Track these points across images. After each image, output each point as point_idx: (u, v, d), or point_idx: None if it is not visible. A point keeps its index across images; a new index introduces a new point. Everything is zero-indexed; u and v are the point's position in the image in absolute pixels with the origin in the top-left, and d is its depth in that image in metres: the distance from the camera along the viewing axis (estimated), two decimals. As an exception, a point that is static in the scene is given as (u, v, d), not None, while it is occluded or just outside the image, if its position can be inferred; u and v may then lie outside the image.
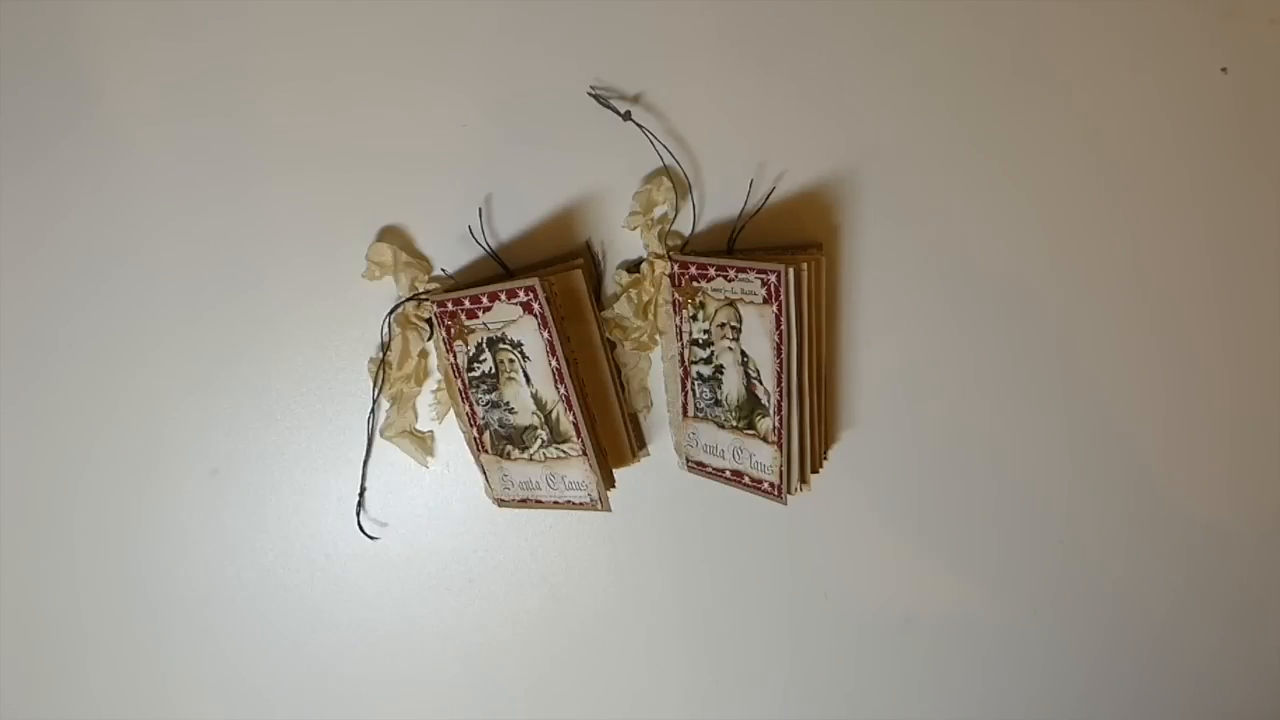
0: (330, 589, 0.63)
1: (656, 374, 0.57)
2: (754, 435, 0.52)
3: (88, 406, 0.58)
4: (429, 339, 0.55)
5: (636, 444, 0.57)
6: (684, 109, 0.52)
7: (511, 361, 0.51)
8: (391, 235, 0.55)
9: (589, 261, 0.54)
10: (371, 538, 0.61)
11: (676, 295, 0.53)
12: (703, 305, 0.52)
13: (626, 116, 0.51)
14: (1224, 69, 0.51)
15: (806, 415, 0.51)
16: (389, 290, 0.55)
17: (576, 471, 0.53)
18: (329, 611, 0.63)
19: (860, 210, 0.54)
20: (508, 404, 0.53)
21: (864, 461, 0.59)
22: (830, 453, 0.58)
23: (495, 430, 0.54)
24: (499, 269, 0.54)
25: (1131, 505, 0.60)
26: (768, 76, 0.52)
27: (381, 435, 0.58)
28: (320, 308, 0.56)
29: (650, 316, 0.54)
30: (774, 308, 0.48)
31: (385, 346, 0.56)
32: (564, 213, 0.54)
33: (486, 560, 0.62)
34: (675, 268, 0.52)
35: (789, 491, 0.52)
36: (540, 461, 0.54)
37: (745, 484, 0.54)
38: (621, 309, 0.54)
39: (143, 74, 0.53)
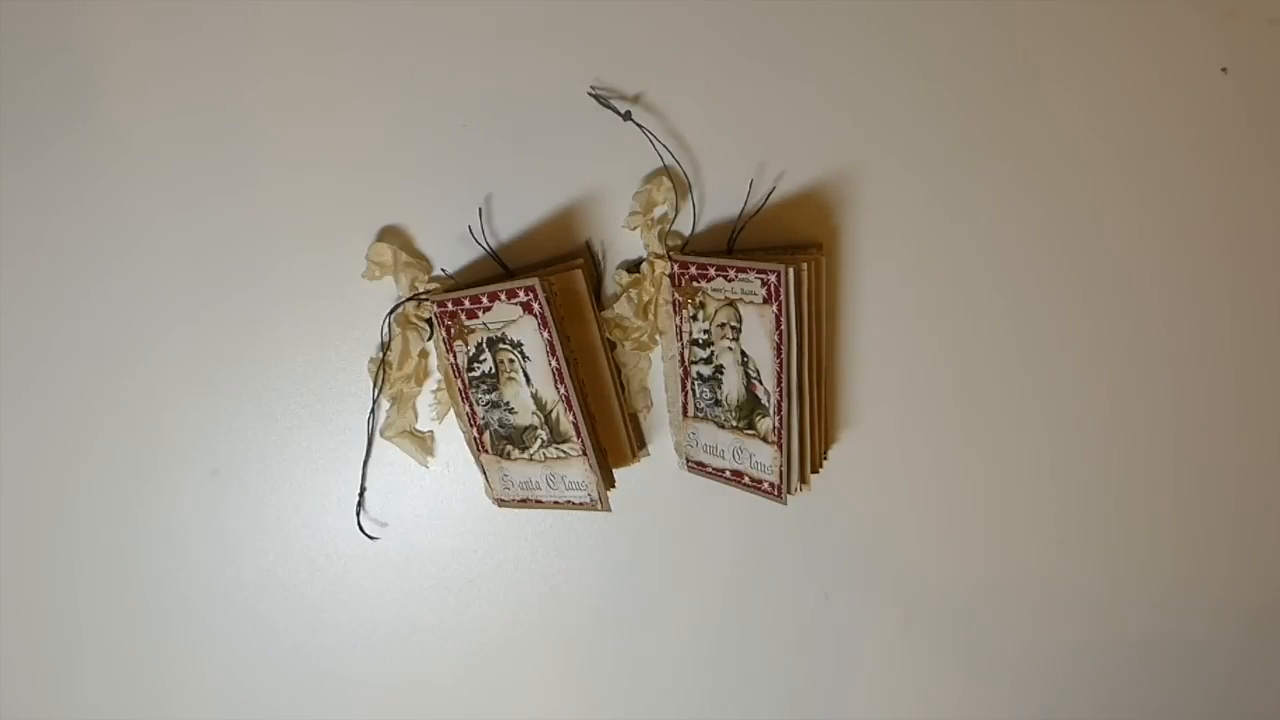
0: (330, 589, 0.63)
1: (656, 374, 0.57)
2: (754, 435, 0.52)
3: (87, 407, 0.58)
4: (429, 339, 0.55)
5: (636, 444, 0.57)
6: (684, 109, 0.52)
7: (511, 361, 0.51)
8: (391, 235, 0.55)
9: (589, 261, 0.54)
10: (371, 538, 0.61)
11: (676, 295, 0.53)
12: (703, 305, 0.52)
13: (626, 116, 0.51)
14: (1224, 69, 0.51)
15: (806, 415, 0.51)
16: (389, 290, 0.55)
17: (576, 471, 0.53)
18: (329, 611, 0.63)
19: (860, 210, 0.54)
20: (508, 404, 0.53)
21: (864, 461, 0.59)
22: (830, 453, 0.58)
23: (495, 430, 0.54)
24: (499, 269, 0.54)
25: (1132, 505, 0.60)
26: (768, 76, 0.52)
27: (381, 435, 0.58)
28: (320, 308, 0.56)
29: (650, 316, 0.54)
30: (774, 308, 0.48)
31: (385, 346, 0.56)
32: (564, 213, 0.54)
33: (486, 560, 0.62)
34: (675, 268, 0.52)
35: (789, 491, 0.52)
36: (540, 461, 0.54)
37: (745, 484, 0.54)
38: (621, 309, 0.54)
39: (142, 73, 0.53)
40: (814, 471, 0.54)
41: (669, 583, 0.62)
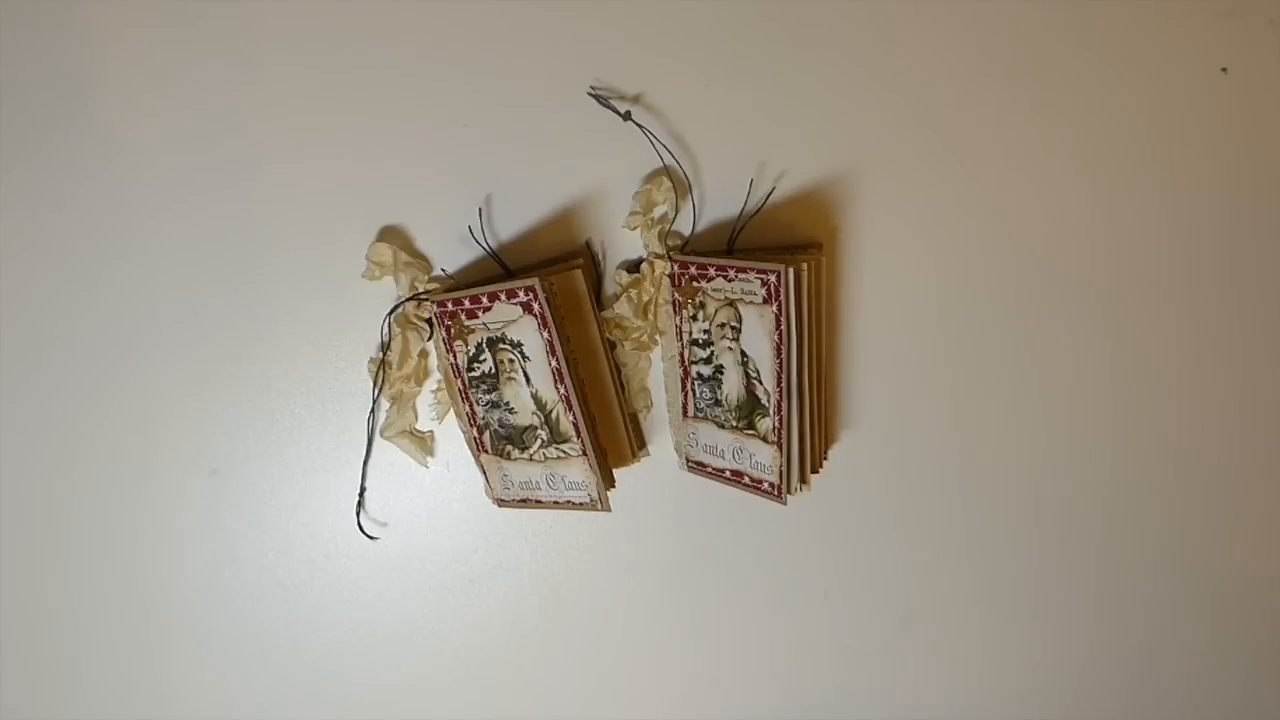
0: (330, 589, 0.63)
1: (656, 374, 0.57)
2: (754, 435, 0.52)
3: (87, 406, 0.58)
4: (429, 339, 0.55)
5: (636, 444, 0.57)
6: (684, 109, 0.52)
7: (511, 361, 0.51)
8: (391, 235, 0.55)
9: (589, 261, 0.54)
10: (371, 538, 0.61)
11: (676, 295, 0.53)
12: (703, 305, 0.52)
13: (626, 116, 0.51)
14: (1224, 69, 0.51)
15: (806, 415, 0.51)
16: (389, 290, 0.55)
17: (576, 471, 0.53)
18: (329, 611, 0.63)
19: (860, 210, 0.54)
20: (508, 404, 0.53)
21: (864, 461, 0.59)
22: (830, 453, 0.58)
23: (495, 430, 0.54)
24: (499, 269, 0.54)
25: (1132, 504, 0.60)
26: (768, 76, 0.52)
27: (381, 435, 0.58)
28: (320, 307, 0.56)
29: (650, 316, 0.54)
30: (774, 308, 0.48)
31: (385, 346, 0.56)
32: (564, 213, 0.54)
33: (486, 560, 0.62)
34: (675, 268, 0.52)
35: (789, 491, 0.52)
36: (540, 461, 0.54)
37: (745, 484, 0.54)
38: (621, 309, 0.54)
39: (142, 72, 0.53)
40: (814, 471, 0.54)
41: (669, 583, 0.62)
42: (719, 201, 0.53)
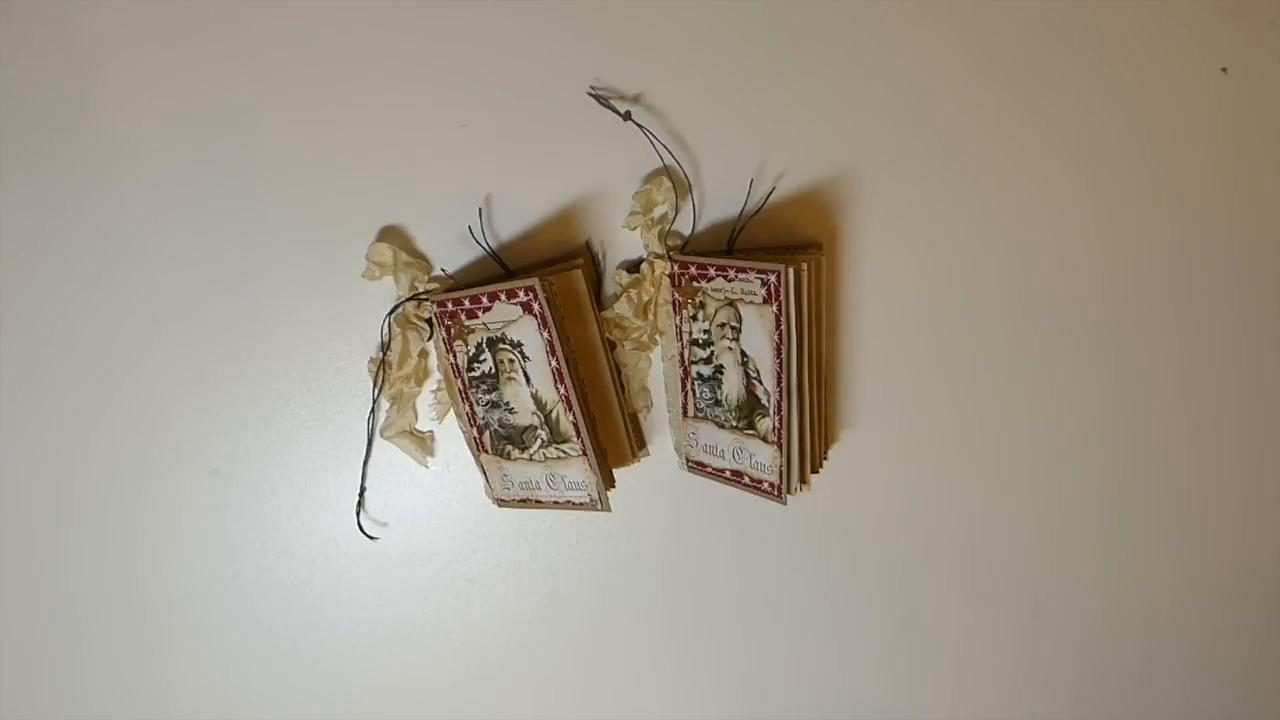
0: (330, 589, 0.63)
1: (656, 374, 0.57)
2: (754, 435, 0.52)
3: (87, 406, 0.58)
4: (429, 339, 0.55)
5: (636, 444, 0.57)
6: (684, 109, 0.52)
7: (511, 361, 0.51)
8: (391, 235, 0.55)
9: (589, 261, 0.54)
10: (371, 538, 0.61)
11: (676, 295, 0.53)
12: (703, 305, 0.52)
13: (626, 116, 0.51)
14: (1224, 69, 0.51)
15: (806, 415, 0.51)
16: (389, 290, 0.55)
17: (576, 471, 0.53)
18: (329, 611, 0.63)
19: (860, 210, 0.54)
20: (508, 404, 0.53)
21: (864, 461, 0.59)
22: (830, 453, 0.58)
23: (495, 430, 0.54)
24: (499, 269, 0.54)
25: (1131, 504, 0.60)
26: (768, 76, 0.52)
27: (381, 435, 0.58)
28: (320, 307, 0.56)
29: (650, 316, 0.54)
30: (774, 308, 0.48)
31: (385, 346, 0.56)
32: (564, 213, 0.54)
33: (486, 560, 0.62)
34: (675, 268, 0.52)
35: (789, 491, 0.52)
36: (540, 461, 0.54)
37: (745, 484, 0.54)
38: (621, 309, 0.54)
39: (142, 72, 0.53)
40: (814, 471, 0.54)
41: (669, 583, 0.62)
42: (719, 201, 0.53)
